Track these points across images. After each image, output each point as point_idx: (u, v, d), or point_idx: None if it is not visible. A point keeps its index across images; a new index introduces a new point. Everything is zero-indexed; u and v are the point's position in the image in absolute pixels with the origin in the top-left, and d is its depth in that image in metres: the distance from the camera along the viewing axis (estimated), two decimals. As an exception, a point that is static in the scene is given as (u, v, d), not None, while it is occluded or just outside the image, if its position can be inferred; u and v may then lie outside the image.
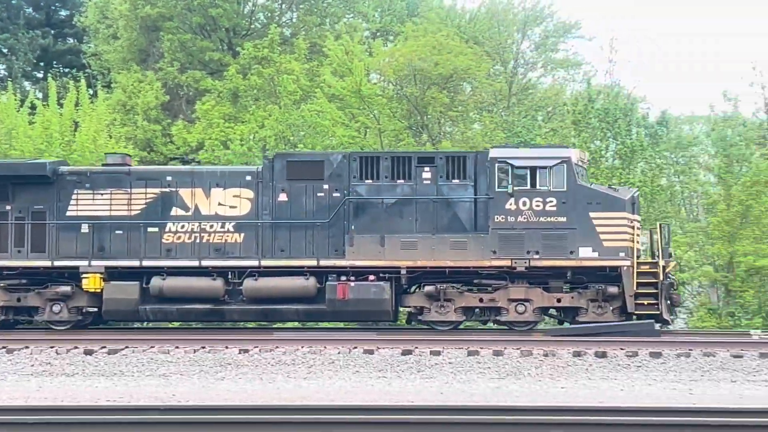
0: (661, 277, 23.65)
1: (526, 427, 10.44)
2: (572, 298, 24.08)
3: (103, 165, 26.13)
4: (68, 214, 24.94)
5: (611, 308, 23.90)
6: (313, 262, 24.26)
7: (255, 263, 24.43)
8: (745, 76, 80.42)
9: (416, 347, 19.85)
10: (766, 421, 10.27)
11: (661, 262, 23.79)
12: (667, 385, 15.86)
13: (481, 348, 19.53)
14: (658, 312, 23.59)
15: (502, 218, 23.89)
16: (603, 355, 18.88)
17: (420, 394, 14.73)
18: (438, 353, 19.20)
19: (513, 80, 45.29)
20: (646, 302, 23.69)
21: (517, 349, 19.44)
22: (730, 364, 17.78)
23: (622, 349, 19.51)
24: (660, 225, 24.83)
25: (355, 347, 20.01)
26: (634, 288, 23.56)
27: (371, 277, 24.01)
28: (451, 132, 40.84)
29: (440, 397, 14.20)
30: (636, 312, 23.63)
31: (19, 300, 25.01)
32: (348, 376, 17.42)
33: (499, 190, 23.96)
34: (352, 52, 39.37)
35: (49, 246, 24.86)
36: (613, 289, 23.70)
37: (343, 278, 24.06)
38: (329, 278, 24.13)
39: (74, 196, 25.02)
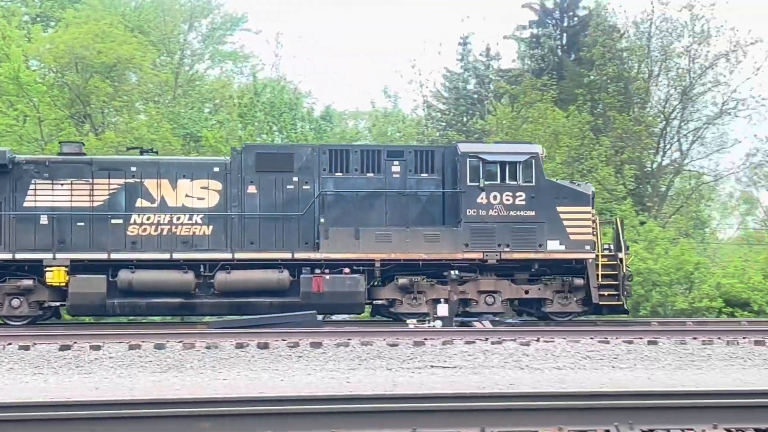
0: (623, 269, 24.90)
1: (181, 419, 10.45)
2: (539, 289, 24.98)
3: (59, 154, 25.15)
4: (25, 204, 24.01)
5: (575, 299, 24.97)
6: (287, 255, 24.20)
7: (228, 256, 24.16)
8: (405, 74, 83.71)
9: (75, 342, 19.19)
10: (422, 406, 10.82)
11: (622, 255, 25.03)
12: (326, 374, 16.08)
13: (143, 342, 19.14)
14: (620, 303, 24.81)
15: (474, 212, 24.52)
16: (265, 346, 18.74)
17: (77, 390, 14.29)
18: (98, 348, 18.59)
19: (179, 71, 45.93)
20: (606, 293, 24.87)
21: (180, 342, 19.23)
22: (386, 352, 18.16)
23: (284, 340, 19.46)
24: (618, 219, 26.18)
25: (10, 343, 18.97)
26: (599, 280, 24.69)
27: (346, 270, 24.14)
28: (115, 122, 40.61)
29: (95, 393, 13.89)
30: (600, 303, 24.80)
31: (-28, 294, 23.98)
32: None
33: (471, 184, 24.51)
34: (9, 37, 38.58)
35: (7, 238, 23.86)
36: (578, 281, 24.74)
37: (317, 271, 24.13)
38: (303, 271, 24.14)
39: (32, 186, 24.08)
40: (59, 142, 27.23)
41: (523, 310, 26.19)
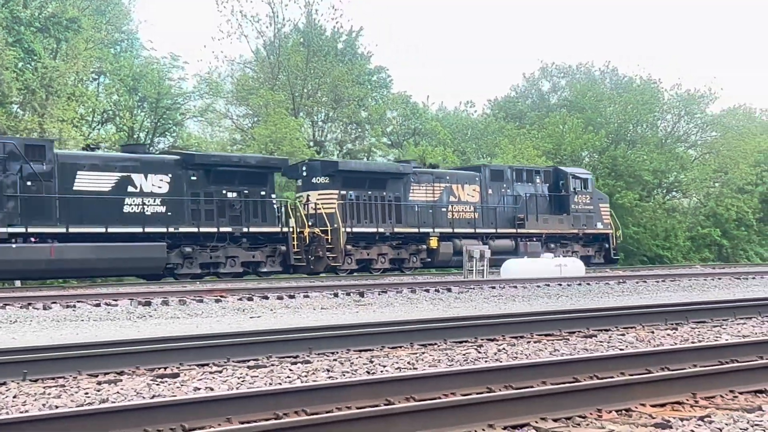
0: (616, 240, 44.04)
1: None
2: (591, 249, 42.60)
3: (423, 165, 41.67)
4: (410, 198, 37.33)
5: (602, 254, 42.81)
6: (512, 231, 39.87)
7: (493, 231, 39.77)
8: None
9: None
10: None
11: (617, 232, 44.82)
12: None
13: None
14: (618, 257, 45.18)
15: (573, 207, 41.68)
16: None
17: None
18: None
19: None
20: (612, 253, 43.46)
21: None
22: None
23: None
24: (611, 212, 44.04)
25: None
26: (615, 245, 43.59)
27: (534, 239, 40.46)
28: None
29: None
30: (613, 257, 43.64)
31: None
32: None
33: (571, 191, 41.72)
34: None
35: (395, 219, 36.35)
36: (605, 245, 42.86)
37: (521, 240, 39.95)
38: (520, 240, 39.94)
39: (411, 188, 37.69)
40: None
41: (584, 259, 40.01)
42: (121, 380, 8.86)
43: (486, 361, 9.84)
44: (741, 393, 7.56)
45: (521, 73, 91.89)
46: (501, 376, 7.92)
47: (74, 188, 28.38)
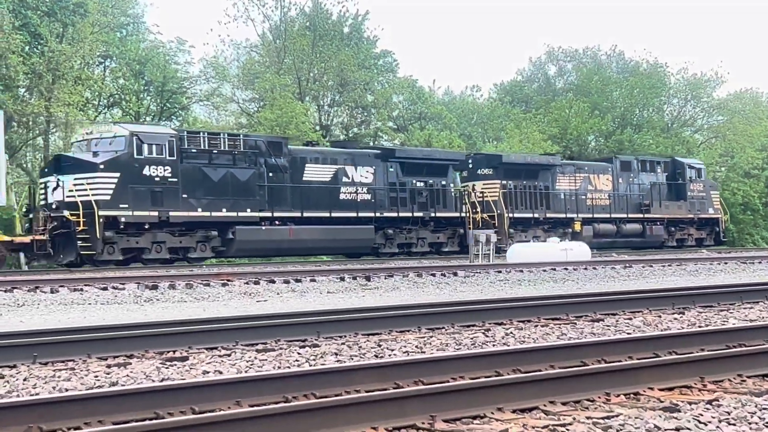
0: (723, 224, 49.55)
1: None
2: (704, 231, 48.01)
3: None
4: (557, 187, 43.30)
5: (713, 236, 48.23)
6: (640, 216, 44.70)
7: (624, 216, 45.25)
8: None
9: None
10: None
11: (726, 217, 50.75)
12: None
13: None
14: (726, 239, 52.11)
15: (690, 194, 46.77)
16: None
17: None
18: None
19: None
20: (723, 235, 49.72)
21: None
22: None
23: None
24: (721, 199, 49.25)
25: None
26: (723, 228, 48.97)
27: (658, 223, 45.49)
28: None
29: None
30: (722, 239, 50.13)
31: None
32: None
33: (688, 179, 46.92)
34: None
35: (545, 206, 42.09)
36: (716, 228, 48.25)
37: (647, 224, 45.21)
38: (646, 224, 45.27)
39: (558, 179, 43.59)
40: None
41: (698, 241, 47.45)
42: (130, 363, 8.89)
43: (494, 345, 9.87)
44: (749, 377, 7.57)
45: (527, 57, 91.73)
46: (509, 359, 7.93)
47: (303, 178, 34.03)
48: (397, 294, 17.96)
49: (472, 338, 10.43)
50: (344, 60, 51.26)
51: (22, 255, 30.72)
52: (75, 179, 28.67)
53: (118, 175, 29.08)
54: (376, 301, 16.08)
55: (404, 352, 9.37)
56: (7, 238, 28.61)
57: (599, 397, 6.78)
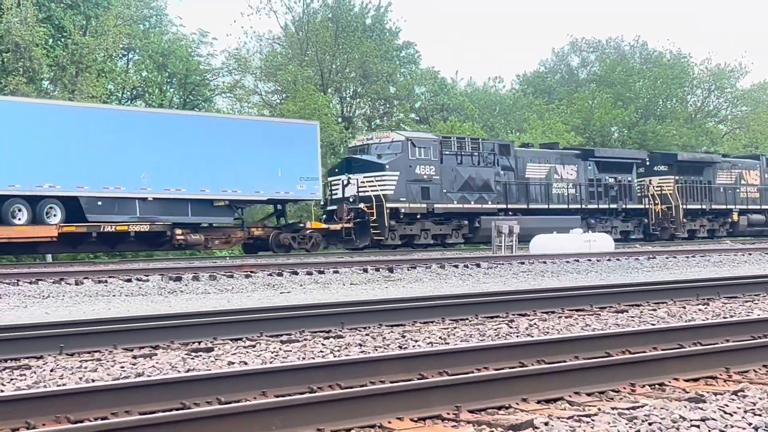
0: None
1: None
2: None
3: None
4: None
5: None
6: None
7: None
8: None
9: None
10: None
11: None
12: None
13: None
14: None
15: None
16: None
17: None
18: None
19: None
20: None
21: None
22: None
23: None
24: None
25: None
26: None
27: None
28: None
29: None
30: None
31: None
32: None
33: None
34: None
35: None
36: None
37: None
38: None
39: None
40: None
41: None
42: (156, 354, 8.93)
43: (518, 336, 9.86)
44: (774, 368, 7.54)
45: (550, 48, 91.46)
46: (533, 350, 7.93)
47: (525, 176, 40.26)
48: (420, 285, 17.97)
49: (495, 329, 10.43)
50: (366, 51, 51.27)
51: None
52: (365, 177, 35.09)
53: (398, 173, 35.56)
54: (399, 292, 16.10)
55: (428, 343, 9.38)
56: (324, 226, 34.78)
57: (624, 388, 6.77)
